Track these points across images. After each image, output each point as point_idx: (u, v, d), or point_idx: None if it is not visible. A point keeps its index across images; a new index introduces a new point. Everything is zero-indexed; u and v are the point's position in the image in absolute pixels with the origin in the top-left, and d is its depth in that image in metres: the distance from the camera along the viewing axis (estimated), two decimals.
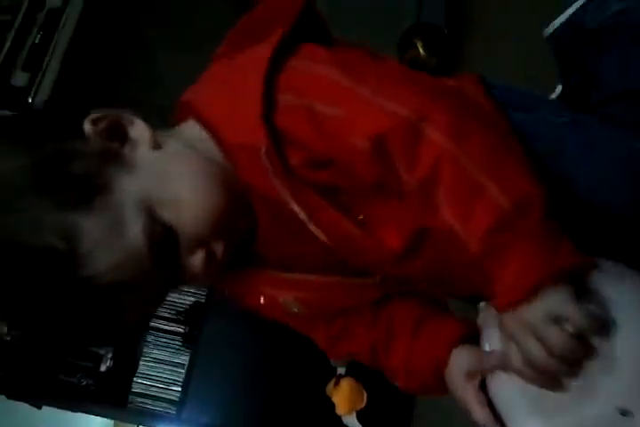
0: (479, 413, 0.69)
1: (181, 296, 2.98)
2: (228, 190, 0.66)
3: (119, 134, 0.66)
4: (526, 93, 0.78)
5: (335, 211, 0.65)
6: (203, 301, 2.96)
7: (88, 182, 0.61)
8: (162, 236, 0.63)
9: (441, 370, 0.75)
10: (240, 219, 0.68)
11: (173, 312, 2.96)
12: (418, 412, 2.52)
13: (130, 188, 0.62)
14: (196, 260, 0.66)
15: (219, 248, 0.67)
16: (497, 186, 0.58)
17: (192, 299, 2.98)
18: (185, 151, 0.67)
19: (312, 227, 0.65)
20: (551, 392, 0.61)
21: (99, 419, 5.00)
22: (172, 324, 2.96)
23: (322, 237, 0.66)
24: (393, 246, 0.67)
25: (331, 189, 0.65)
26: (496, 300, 0.60)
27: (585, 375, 0.60)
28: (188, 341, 2.92)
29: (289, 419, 2.80)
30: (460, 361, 0.73)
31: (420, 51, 2.49)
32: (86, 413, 3.04)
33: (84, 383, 2.85)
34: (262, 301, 0.77)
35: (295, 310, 0.76)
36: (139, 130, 0.67)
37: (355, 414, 2.54)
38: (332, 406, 2.55)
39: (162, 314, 2.95)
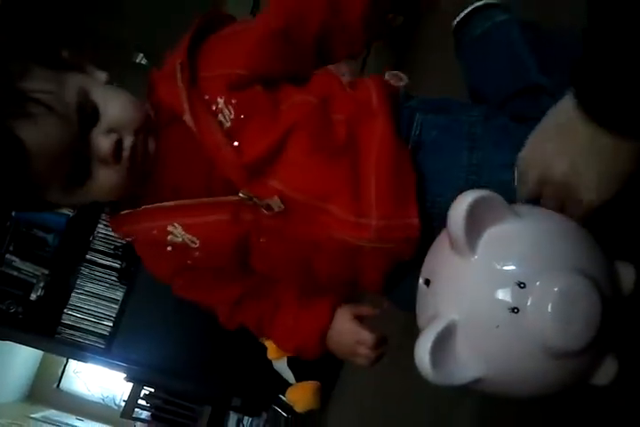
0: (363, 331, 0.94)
1: None
2: (145, 112, 0.86)
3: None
4: (442, 99, 0.93)
5: (215, 119, 0.82)
6: None
7: (57, 62, 0.82)
8: (89, 110, 0.80)
9: (325, 329, 0.97)
10: (149, 134, 0.85)
11: (111, 247, 2.92)
12: (347, 361, 2.56)
13: (79, 79, 0.82)
14: (107, 140, 0.80)
15: (127, 140, 0.81)
16: None
17: None
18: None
19: (197, 135, 0.82)
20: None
21: (27, 353, 4.99)
22: (109, 258, 2.91)
23: (204, 145, 0.82)
24: (250, 156, 0.81)
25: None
26: None
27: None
28: (124, 277, 2.89)
29: (218, 361, 2.82)
30: (342, 314, 0.96)
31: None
32: (13, 341, 3.00)
33: (13, 311, 2.80)
34: (155, 232, 0.87)
35: (188, 242, 0.86)
36: (98, 75, 0.86)
37: (285, 360, 2.56)
38: (264, 350, 2.57)
39: (98, 247, 2.91)
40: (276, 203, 0.82)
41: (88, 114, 0.80)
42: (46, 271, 2.83)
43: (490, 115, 0.88)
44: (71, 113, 0.78)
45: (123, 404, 3.44)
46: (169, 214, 0.86)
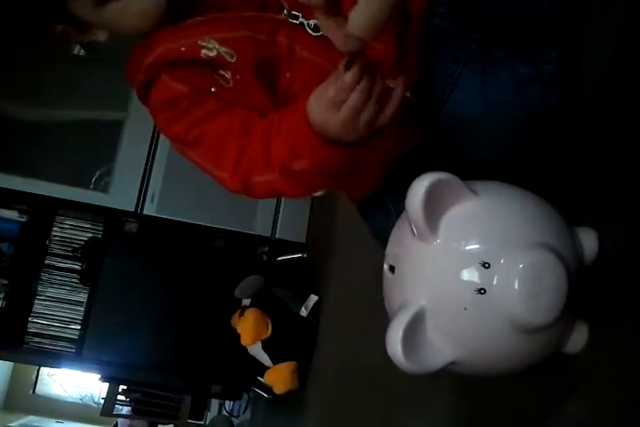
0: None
1: (77, 232, 2.87)
2: None
3: None
4: None
5: None
6: (99, 236, 2.87)
7: None
8: None
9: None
10: None
11: (69, 249, 2.86)
12: (321, 340, 2.58)
13: None
14: None
15: None
16: None
17: (88, 235, 2.88)
18: None
19: None
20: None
21: None
22: (68, 261, 2.86)
23: None
24: None
25: None
26: None
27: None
28: (86, 278, 2.83)
29: (193, 353, 2.81)
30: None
31: None
32: None
33: None
34: (183, 49, 0.82)
35: (223, 55, 0.82)
36: None
37: (260, 344, 2.57)
38: (238, 337, 2.57)
39: (56, 251, 2.85)
40: None
41: None
42: (5, 281, 2.76)
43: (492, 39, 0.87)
44: None
45: (102, 402, 3.41)
46: (199, 30, 0.82)
